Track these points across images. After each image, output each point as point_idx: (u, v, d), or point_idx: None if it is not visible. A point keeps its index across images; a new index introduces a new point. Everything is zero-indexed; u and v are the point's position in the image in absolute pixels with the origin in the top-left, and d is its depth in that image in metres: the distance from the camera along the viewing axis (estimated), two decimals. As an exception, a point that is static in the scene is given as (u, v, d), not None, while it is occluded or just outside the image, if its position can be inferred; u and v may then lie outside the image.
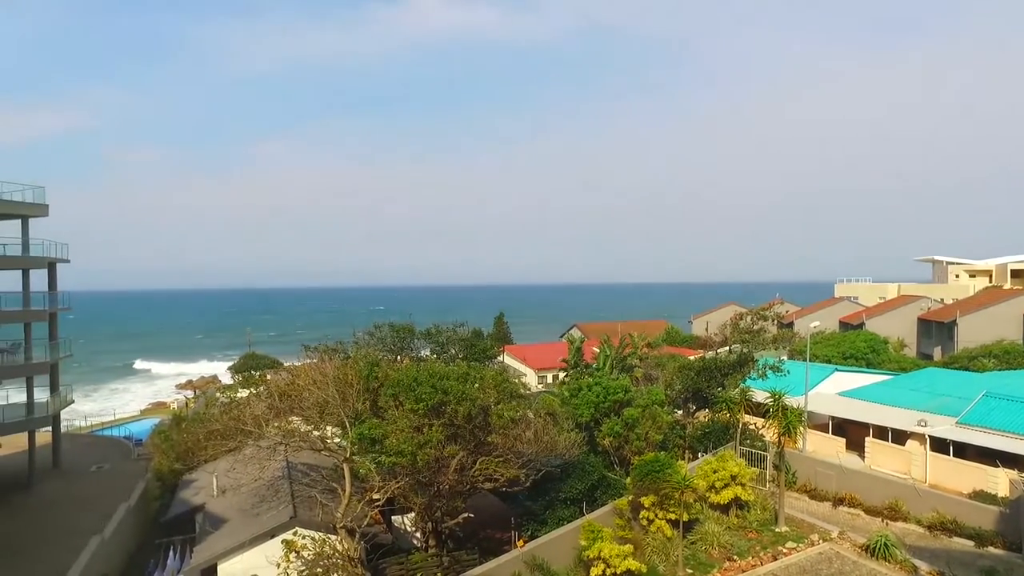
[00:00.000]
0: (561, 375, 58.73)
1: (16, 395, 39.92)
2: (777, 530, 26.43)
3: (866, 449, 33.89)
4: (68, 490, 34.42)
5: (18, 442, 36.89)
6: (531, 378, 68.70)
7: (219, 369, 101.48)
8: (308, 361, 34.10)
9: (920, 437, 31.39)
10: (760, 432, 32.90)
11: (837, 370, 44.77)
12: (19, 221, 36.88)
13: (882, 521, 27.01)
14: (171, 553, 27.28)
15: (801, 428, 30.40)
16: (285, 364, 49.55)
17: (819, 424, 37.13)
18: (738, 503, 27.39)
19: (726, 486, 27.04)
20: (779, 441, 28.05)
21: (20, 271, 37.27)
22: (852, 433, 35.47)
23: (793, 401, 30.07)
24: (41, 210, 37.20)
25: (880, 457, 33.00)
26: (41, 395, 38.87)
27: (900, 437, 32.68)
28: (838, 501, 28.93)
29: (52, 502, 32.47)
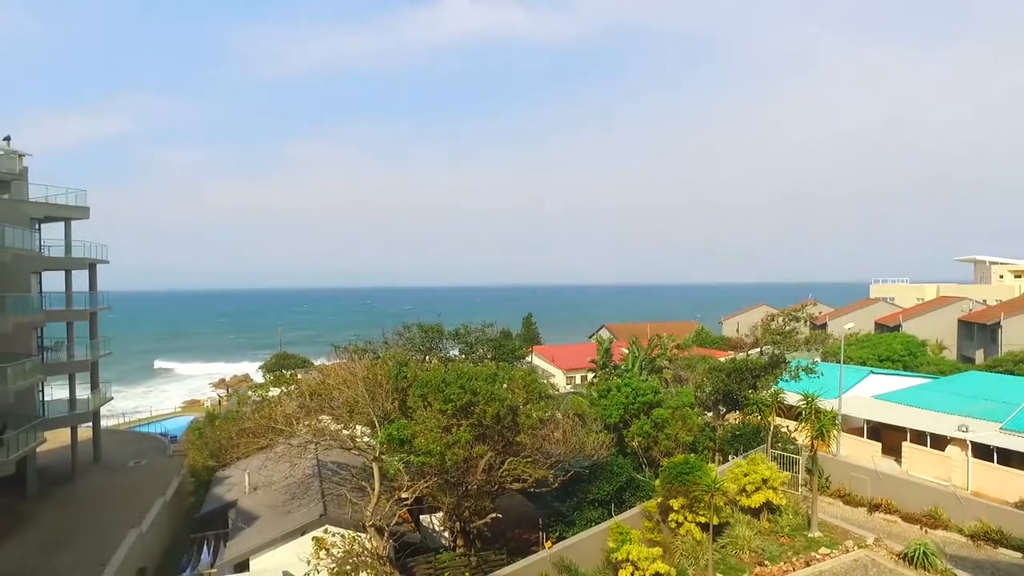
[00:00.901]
0: (590, 376, 58.44)
1: (58, 392, 41.10)
2: (810, 535, 25.89)
3: (903, 454, 33.05)
4: (108, 484, 35.34)
5: (61, 437, 37.99)
6: (559, 379, 68.56)
7: (251, 368, 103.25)
8: (338, 361, 34.50)
9: (961, 443, 30.47)
10: (792, 435, 32.30)
11: (872, 372, 43.75)
12: (62, 224, 38.05)
13: (921, 529, 26.28)
14: (205, 548, 27.82)
15: (835, 431, 29.75)
16: (315, 363, 50.23)
17: (853, 428, 36.32)
18: (769, 507, 26.90)
19: (757, 489, 26.57)
20: (812, 445, 27.47)
21: (63, 272, 38.49)
22: (888, 437, 34.61)
23: (826, 404, 29.45)
24: (83, 212, 38.27)
25: (918, 463, 32.14)
26: (82, 392, 39.99)
27: (939, 442, 31.78)
28: (873, 507, 28.23)
29: (93, 495, 33.38)
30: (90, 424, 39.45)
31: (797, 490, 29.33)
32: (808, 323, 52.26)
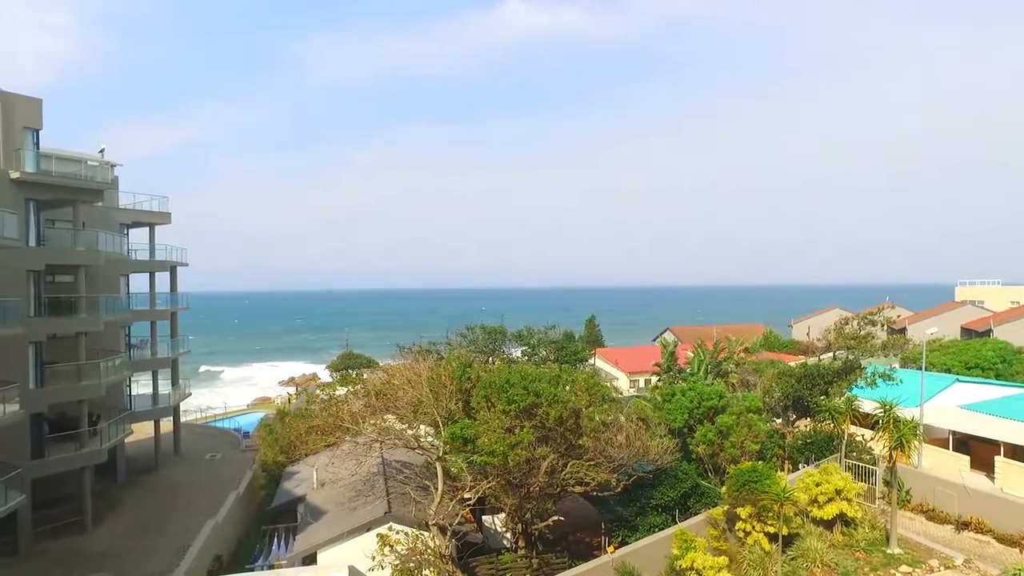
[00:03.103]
0: (654, 379, 57.49)
1: (142, 387, 43.47)
2: (889, 552, 24.60)
3: (997, 469, 30.88)
4: (186, 475, 37.18)
5: (145, 429, 40.19)
6: (623, 382, 67.76)
7: (319, 367, 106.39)
8: (403, 361, 35.12)
9: (1064, 459, 28.27)
10: (868, 445, 30.81)
11: (958, 381, 41.20)
12: (146, 228, 40.32)
13: (1021, 552, 24.45)
14: (275, 540, 28.81)
15: (916, 442, 28.16)
16: (381, 364, 51.24)
17: (937, 439, 34.28)
18: (843, 519, 25.74)
19: (830, 500, 25.47)
20: (890, 455, 26.10)
21: (147, 274, 40.79)
22: (978, 451, 32.47)
23: (906, 413, 27.94)
24: (165, 218, 40.44)
25: (1015, 479, 29.93)
26: (163, 388, 42.20)
27: (1039, 458, 29.59)
28: (962, 525, 26.43)
29: (174, 485, 35.20)
30: (171, 418, 41.60)
31: (874, 503, 27.96)
32: (886, 327, 49.63)
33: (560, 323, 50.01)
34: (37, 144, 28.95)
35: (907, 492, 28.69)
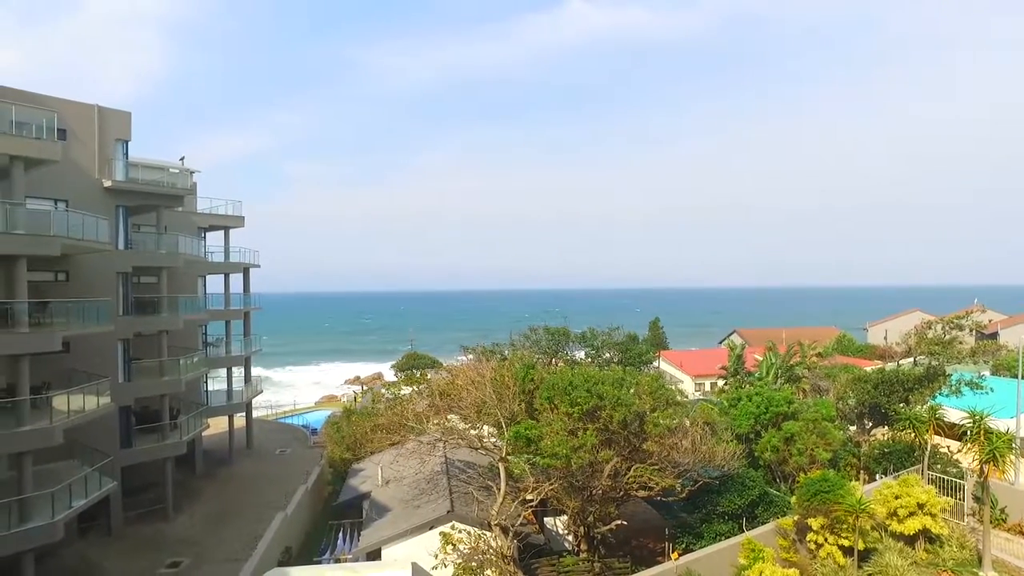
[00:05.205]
0: (720, 383, 56.05)
1: (217, 384, 45.42)
2: (981, 574, 23.05)
3: (1107, 489, 28.54)
4: (258, 469, 38.61)
5: (219, 424, 41.99)
6: (688, 385, 66.40)
7: (384, 366, 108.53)
8: (466, 361, 35.38)
9: None
10: (954, 457, 29.04)
11: (1057, 390, 38.31)
12: (222, 232, 42.14)
13: None
14: (341, 535, 29.54)
15: (1011, 456, 26.32)
16: (444, 364, 51.77)
17: (1033, 453, 31.97)
18: (927, 536, 24.25)
19: (911, 515, 24.04)
20: (982, 470, 24.43)
21: (222, 275, 42.63)
22: (1081, 466, 30.10)
23: (999, 424, 26.15)
24: (239, 222, 42.15)
25: None
26: (236, 384, 43.97)
27: None
28: (1065, 548, 24.51)
29: (246, 478, 36.62)
30: (244, 413, 43.30)
31: (962, 520, 26.24)
32: (974, 332, 46.70)
33: (624, 325, 49.37)
34: (126, 154, 30.74)
35: (1002, 511, 26.81)
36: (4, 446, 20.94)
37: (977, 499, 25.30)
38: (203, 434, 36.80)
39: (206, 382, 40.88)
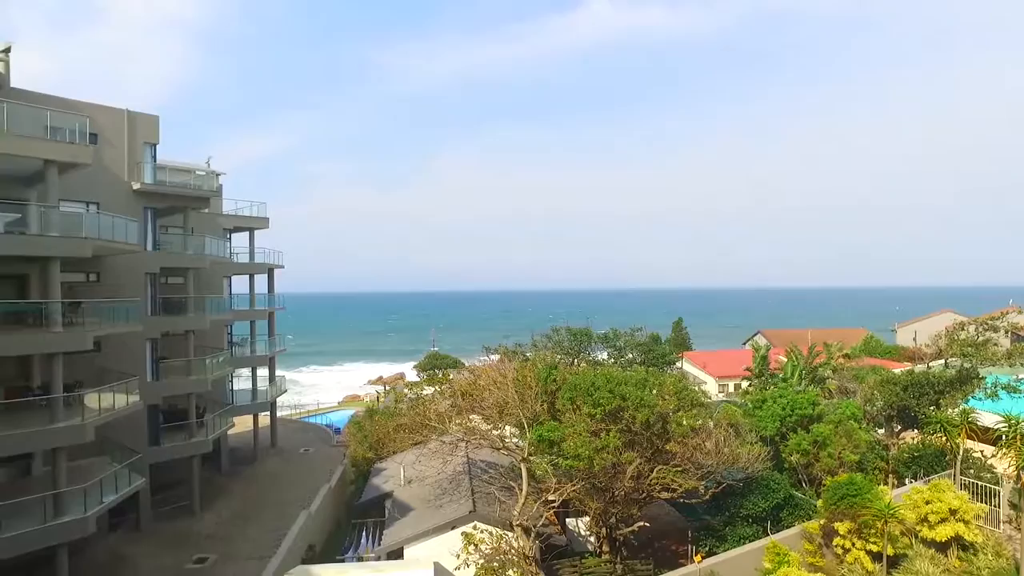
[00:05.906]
0: (744, 384, 55.42)
1: (241, 383, 46.01)
2: (1016, 582, 22.43)
3: None
4: (282, 467, 39.06)
5: (245, 423, 42.53)
6: (711, 386, 65.80)
7: (406, 366, 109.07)
8: (489, 361, 35.40)
9: None
10: (988, 462, 28.35)
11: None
12: (247, 233, 42.70)
13: None
14: (364, 533, 29.72)
15: (1048, 461, 25.61)
16: (467, 364, 51.84)
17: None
18: (960, 543, 23.68)
19: (943, 521, 23.49)
20: (1018, 476, 23.81)
21: (247, 276, 43.18)
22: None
23: (1034, 428, 25.46)
24: (263, 223, 42.67)
25: None
26: (261, 384, 44.51)
27: None
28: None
29: (271, 476, 37.07)
30: (268, 412, 43.81)
31: (998, 527, 25.54)
32: (1010, 334, 45.60)
33: (646, 325, 49.07)
34: (154, 157, 31.30)
35: (1038, 517, 26.11)
36: (39, 442, 21.46)
37: (1014, 506, 24.65)
38: (228, 433, 37.32)
39: (231, 381, 41.43)
